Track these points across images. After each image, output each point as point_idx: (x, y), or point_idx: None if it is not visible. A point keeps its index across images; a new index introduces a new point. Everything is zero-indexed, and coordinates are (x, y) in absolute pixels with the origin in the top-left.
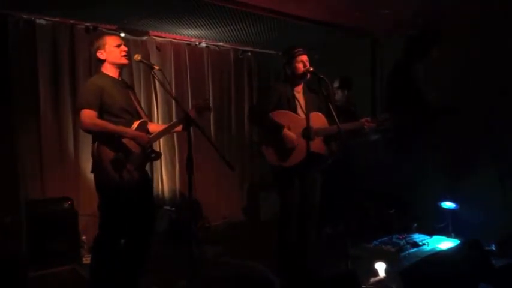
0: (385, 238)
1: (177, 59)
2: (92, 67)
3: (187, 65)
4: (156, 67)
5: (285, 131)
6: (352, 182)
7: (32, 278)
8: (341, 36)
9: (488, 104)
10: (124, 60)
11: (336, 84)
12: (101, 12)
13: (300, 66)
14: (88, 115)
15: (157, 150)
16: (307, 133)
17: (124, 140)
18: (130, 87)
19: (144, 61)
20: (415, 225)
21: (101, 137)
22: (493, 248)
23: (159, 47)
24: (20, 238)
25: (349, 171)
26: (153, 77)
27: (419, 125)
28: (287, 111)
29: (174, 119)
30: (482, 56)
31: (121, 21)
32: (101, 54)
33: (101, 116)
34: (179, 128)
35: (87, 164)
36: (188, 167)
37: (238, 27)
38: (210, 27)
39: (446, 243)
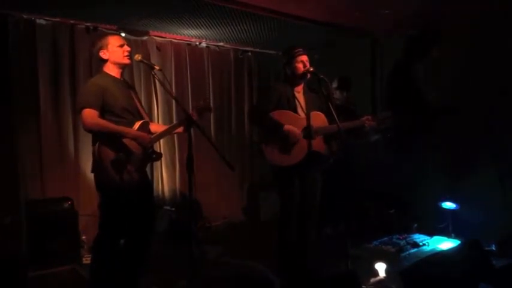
0: (385, 238)
1: (177, 59)
2: (92, 67)
3: (188, 65)
4: (157, 67)
5: (286, 126)
6: (352, 182)
7: (32, 278)
8: (341, 36)
9: (488, 104)
10: (126, 60)
11: (334, 85)
12: (101, 12)
13: (300, 66)
14: (90, 114)
15: (158, 150)
16: (308, 132)
17: (125, 141)
18: (132, 87)
19: (145, 61)
20: (415, 225)
21: (102, 137)
22: (493, 248)
23: (159, 47)
24: (20, 238)
25: (349, 171)
26: (154, 77)
27: (419, 125)
28: (287, 111)
29: (175, 119)
30: (482, 56)
31: (121, 21)
32: (103, 54)
33: (102, 115)
34: (180, 129)
35: (87, 164)
36: (188, 166)
37: (239, 27)
38: (210, 27)
39: (446, 244)
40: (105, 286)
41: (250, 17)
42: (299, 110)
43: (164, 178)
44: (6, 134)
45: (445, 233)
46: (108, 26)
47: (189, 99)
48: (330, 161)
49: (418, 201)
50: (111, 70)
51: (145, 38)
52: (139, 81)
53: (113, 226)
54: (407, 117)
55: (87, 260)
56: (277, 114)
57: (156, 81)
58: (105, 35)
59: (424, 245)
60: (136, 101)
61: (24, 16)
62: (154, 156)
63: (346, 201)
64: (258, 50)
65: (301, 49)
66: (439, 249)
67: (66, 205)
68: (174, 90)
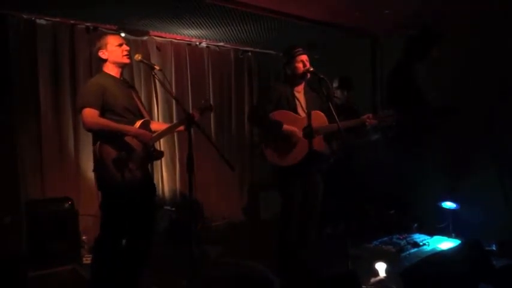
0: (386, 238)
1: (178, 59)
2: (92, 67)
3: (188, 65)
4: (157, 67)
5: (285, 125)
6: (353, 182)
7: (32, 278)
8: (341, 36)
9: (488, 104)
10: (126, 60)
11: (335, 84)
12: (101, 12)
13: (300, 66)
14: (90, 114)
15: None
16: (309, 131)
17: (126, 139)
18: (132, 86)
19: (145, 61)
20: (416, 225)
21: (102, 136)
22: (494, 248)
23: (160, 47)
24: (20, 238)
25: (350, 171)
26: (154, 77)
27: (419, 125)
28: (287, 111)
29: (175, 119)
30: (482, 56)
31: (121, 21)
32: (102, 54)
33: (103, 115)
34: (181, 128)
35: (87, 164)
36: (188, 166)
37: (239, 27)
38: (211, 27)
39: (446, 244)
40: (106, 286)
41: (251, 17)
42: (299, 110)
43: (164, 178)
44: (6, 134)
45: (446, 232)
46: (108, 26)
47: (189, 99)
48: (330, 161)
49: (419, 201)
50: (111, 70)
51: (145, 38)
52: (140, 81)
53: (115, 226)
54: (407, 117)
55: (87, 260)
56: (277, 115)
57: (156, 81)
58: (104, 34)
59: (424, 244)
60: (136, 100)
61: (24, 16)
62: (155, 154)
63: (346, 201)
64: (258, 50)
65: (301, 49)
66: (439, 249)
67: (66, 205)
68: (174, 90)
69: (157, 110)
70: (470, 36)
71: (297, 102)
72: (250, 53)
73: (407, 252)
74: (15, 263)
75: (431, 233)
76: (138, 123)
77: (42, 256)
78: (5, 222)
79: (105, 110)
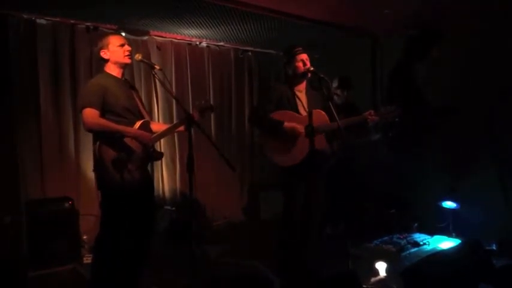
0: (386, 238)
1: (178, 59)
2: (92, 67)
3: (188, 64)
4: (157, 67)
5: (286, 123)
6: (353, 182)
7: (32, 278)
8: (341, 36)
9: (488, 104)
10: (127, 60)
11: (335, 84)
12: (101, 12)
13: (300, 65)
14: (90, 114)
15: (158, 150)
16: (310, 130)
17: (126, 140)
18: (133, 87)
19: (145, 61)
20: (416, 224)
21: (103, 137)
22: (494, 248)
23: (160, 47)
24: (20, 238)
25: (350, 171)
26: (154, 77)
27: (419, 125)
28: (288, 110)
29: (175, 119)
30: (482, 56)
31: (121, 21)
32: (104, 54)
33: (103, 115)
34: (181, 128)
35: (87, 164)
36: (189, 166)
37: (239, 27)
38: (211, 27)
39: (447, 243)
40: (106, 286)
41: (251, 17)
42: (300, 109)
43: (164, 178)
44: (6, 134)
45: (446, 232)
46: (108, 26)
47: (189, 98)
48: (331, 162)
49: (419, 201)
50: (112, 70)
51: (145, 37)
52: (140, 81)
53: (115, 225)
54: (407, 117)
55: (87, 259)
56: (278, 115)
57: (157, 80)
58: (105, 34)
59: (424, 244)
60: (137, 100)
61: (24, 16)
62: (155, 155)
63: (346, 201)
64: (258, 49)
65: (300, 48)
66: (439, 249)
67: (66, 205)
68: (174, 90)
69: (157, 110)
70: (470, 36)
71: (298, 102)
72: (250, 53)
73: (408, 252)
74: (15, 263)
75: (431, 232)
76: (137, 124)
77: (42, 256)
78: (5, 222)
79: (105, 111)
